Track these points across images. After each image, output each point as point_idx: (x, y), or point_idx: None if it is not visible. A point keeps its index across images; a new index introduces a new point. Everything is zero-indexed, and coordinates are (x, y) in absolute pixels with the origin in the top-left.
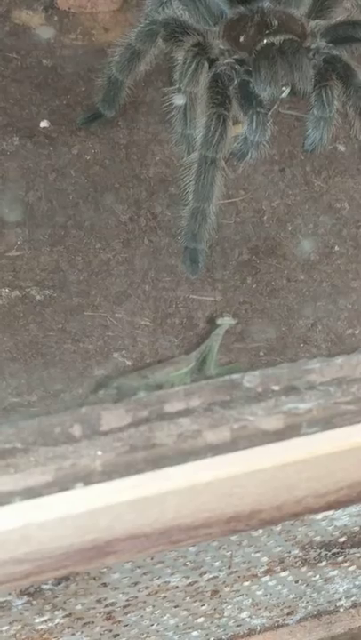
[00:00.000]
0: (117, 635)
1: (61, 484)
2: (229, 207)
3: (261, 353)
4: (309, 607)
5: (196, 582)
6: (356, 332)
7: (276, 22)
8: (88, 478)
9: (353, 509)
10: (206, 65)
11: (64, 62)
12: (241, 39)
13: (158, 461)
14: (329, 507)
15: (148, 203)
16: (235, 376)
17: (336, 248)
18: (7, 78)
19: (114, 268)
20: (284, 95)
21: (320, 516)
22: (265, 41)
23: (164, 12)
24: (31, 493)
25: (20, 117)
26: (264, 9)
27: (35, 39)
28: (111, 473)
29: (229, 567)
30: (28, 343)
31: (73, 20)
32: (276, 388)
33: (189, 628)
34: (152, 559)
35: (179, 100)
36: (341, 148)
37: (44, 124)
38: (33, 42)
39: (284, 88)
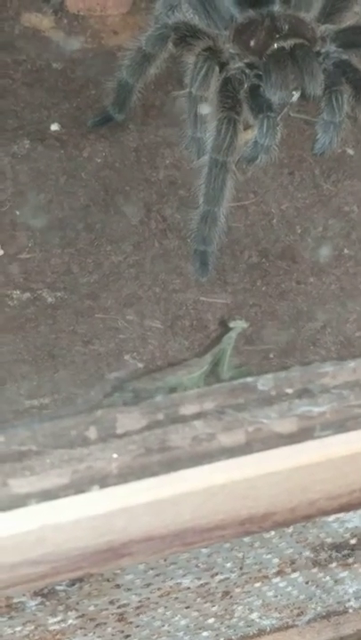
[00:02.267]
0: (129, 635)
1: (77, 487)
2: (239, 210)
3: (271, 355)
4: (319, 608)
5: (207, 583)
6: None
7: (286, 26)
8: (104, 481)
9: None
10: (217, 69)
11: (74, 65)
12: (251, 43)
13: (173, 464)
14: (341, 509)
15: (158, 205)
16: (248, 379)
17: (345, 251)
18: (18, 81)
19: (124, 270)
20: (294, 99)
21: (331, 517)
22: (275, 45)
23: (174, 16)
24: (47, 495)
25: (30, 120)
26: (274, 13)
27: (44, 42)
28: (127, 475)
29: (241, 568)
30: (39, 345)
31: (82, 23)
32: (289, 391)
33: (200, 629)
34: (165, 560)
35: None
36: (351, 151)
37: (54, 127)
38: (43, 45)
39: (294, 92)
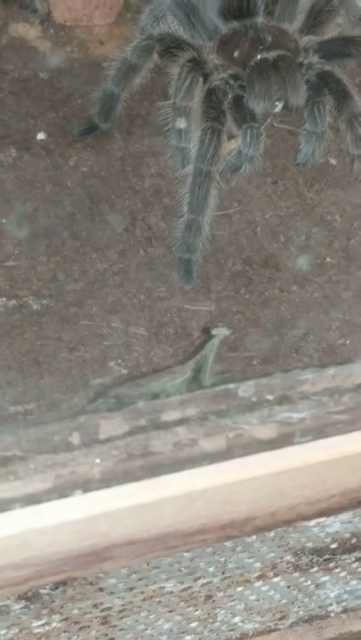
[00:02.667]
0: (113, 638)
1: (60, 491)
2: (223, 219)
3: (255, 362)
4: (301, 612)
5: (190, 587)
6: (348, 343)
7: (269, 38)
8: (87, 485)
9: (344, 516)
10: (201, 80)
11: (60, 75)
12: (235, 54)
13: (155, 469)
14: (321, 514)
15: (144, 214)
16: (230, 386)
17: (328, 259)
18: (4, 91)
19: (109, 277)
20: (277, 110)
21: (312, 522)
22: (259, 56)
23: (159, 27)
24: (31, 500)
25: (17, 129)
26: (258, 25)
27: (31, 52)
28: (109, 480)
29: (223, 572)
30: (25, 352)
31: (69, 33)
32: (270, 397)
33: (183, 633)
34: (148, 565)
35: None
36: (333, 161)
37: (40, 136)
38: (30, 55)
39: (277, 103)
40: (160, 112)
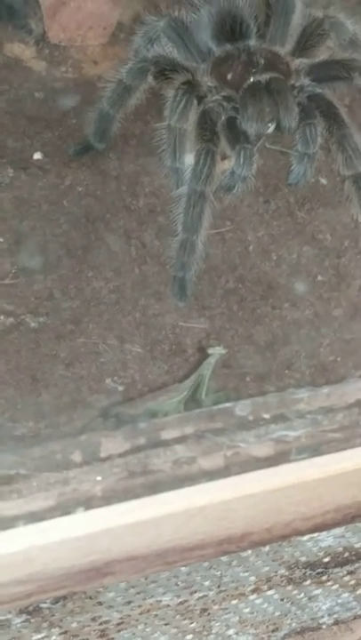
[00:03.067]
0: None
1: (63, 509)
2: (216, 237)
3: (248, 379)
4: (294, 624)
5: (186, 601)
6: (339, 360)
7: (262, 61)
8: (88, 503)
9: (337, 531)
10: (195, 102)
11: (55, 95)
12: (228, 77)
13: (155, 486)
14: (316, 529)
15: (138, 232)
16: (227, 404)
17: (319, 277)
18: (0, 111)
19: (105, 295)
20: (269, 131)
21: (306, 537)
22: (252, 79)
23: (153, 49)
24: (34, 517)
25: (13, 149)
26: (250, 47)
27: (26, 72)
28: (110, 498)
29: (219, 586)
30: (22, 369)
31: (63, 54)
32: (266, 416)
33: None
34: (146, 579)
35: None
36: (324, 181)
37: (37, 155)
38: (25, 74)
39: (269, 124)
40: (155, 133)
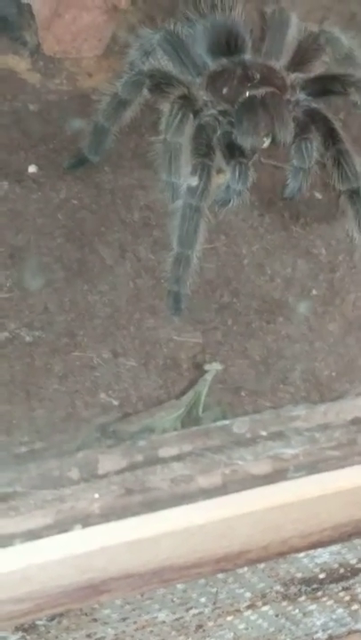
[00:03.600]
0: None
1: (60, 526)
2: (211, 251)
3: (243, 393)
4: (288, 639)
5: (182, 617)
6: (333, 374)
7: (257, 75)
8: (86, 520)
9: (333, 547)
10: (191, 116)
11: (50, 107)
12: (224, 91)
13: (153, 504)
14: (313, 546)
15: (133, 246)
16: (225, 422)
17: (313, 292)
18: None
19: (100, 309)
20: (265, 145)
21: (302, 553)
22: (247, 93)
23: (148, 62)
24: (31, 535)
25: (8, 162)
26: (246, 62)
27: (21, 84)
28: (108, 515)
29: (214, 603)
30: (17, 383)
31: (58, 66)
32: (263, 433)
33: None
34: (142, 596)
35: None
36: (319, 195)
37: (32, 168)
38: (19, 87)
39: (265, 139)
40: (151, 147)
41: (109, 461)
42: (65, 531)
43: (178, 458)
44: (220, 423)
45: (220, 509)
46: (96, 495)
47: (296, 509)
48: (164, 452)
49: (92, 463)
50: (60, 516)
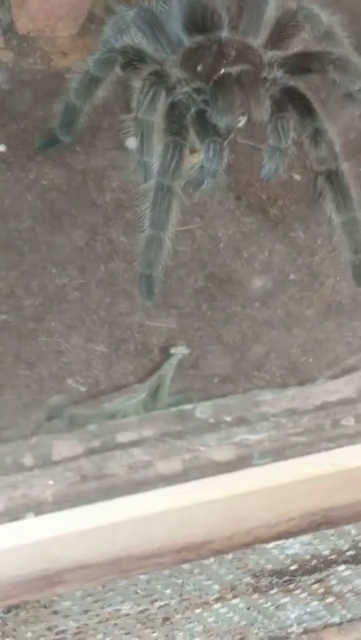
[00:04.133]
0: None
1: (12, 514)
2: (185, 234)
3: (216, 380)
4: (261, 633)
5: (147, 610)
6: (310, 360)
7: (233, 52)
8: (39, 508)
9: (304, 538)
10: (164, 93)
11: (22, 86)
12: (199, 68)
13: (109, 491)
14: (280, 537)
15: (105, 228)
16: (187, 407)
17: (291, 276)
18: None
19: (69, 293)
20: (240, 125)
21: (271, 544)
22: (222, 71)
23: (122, 40)
24: None
25: None
26: (222, 39)
27: None
28: (62, 503)
29: (181, 595)
30: None
31: (32, 45)
32: (228, 418)
33: None
34: (103, 587)
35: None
36: (297, 177)
37: (1, 148)
38: None
39: (240, 118)
40: (122, 125)
41: (65, 447)
42: (16, 519)
43: (137, 443)
44: (181, 407)
45: (180, 497)
46: (50, 482)
47: (261, 498)
48: (123, 438)
49: (46, 449)
50: (12, 504)
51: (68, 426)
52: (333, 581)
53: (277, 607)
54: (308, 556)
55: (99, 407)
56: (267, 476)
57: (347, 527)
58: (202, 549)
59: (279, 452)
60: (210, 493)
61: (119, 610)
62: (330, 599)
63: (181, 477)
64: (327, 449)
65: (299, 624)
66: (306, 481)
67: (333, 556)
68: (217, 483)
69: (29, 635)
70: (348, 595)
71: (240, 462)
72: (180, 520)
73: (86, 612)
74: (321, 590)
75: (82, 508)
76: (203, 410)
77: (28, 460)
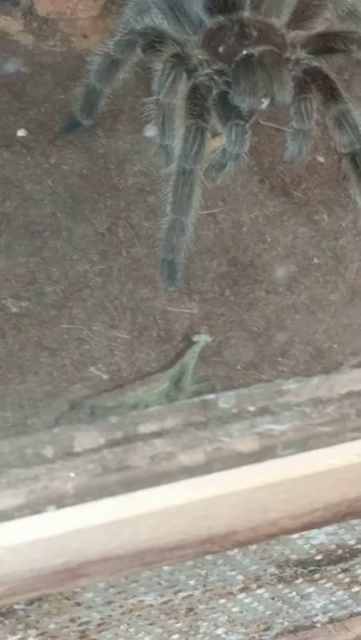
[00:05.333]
0: None
1: (33, 507)
2: (208, 218)
3: (239, 367)
4: (286, 623)
5: (170, 600)
6: (335, 346)
7: (255, 33)
8: (60, 501)
9: (329, 528)
10: (185, 75)
11: (42, 69)
12: (220, 49)
13: (131, 484)
14: (304, 527)
15: (126, 213)
16: (210, 397)
17: (315, 260)
18: None
19: (91, 279)
20: (263, 107)
21: (296, 535)
22: (244, 52)
23: (142, 21)
24: (2, 516)
25: None
26: (244, 19)
27: (13, 46)
28: (84, 495)
29: (204, 585)
30: (3, 356)
31: (52, 27)
32: (251, 408)
33: None
34: (126, 579)
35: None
36: (321, 159)
37: (21, 132)
38: (11, 48)
39: (263, 99)
40: (143, 108)
41: (86, 438)
42: (37, 512)
43: (159, 434)
44: (204, 398)
45: (204, 489)
46: (71, 474)
47: (285, 489)
48: (145, 429)
49: (67, 440)
50: (33, 496)
51: (89, 417)
52: (359, 571)
53: (302, 597)
54: (333, 546)
55: (121, 397)
56: (291, 467)
57: None
58: (225, 541)
59: (303, 443)
60: (233, 485)
61: (143, 601)
62: (356, 588)
63: (204, 469)
64: (352, 439)
65: (324, 613)
66: (330, 471)
67: (359, 546)
68: (240, 474)
69: (52, 626)
70: None
71: (264, 453)
72: (202, 512)
73: (109, 603)
74: (347, 580)
75: (104, 501)
76: (226, 400)
77: (49, 451)
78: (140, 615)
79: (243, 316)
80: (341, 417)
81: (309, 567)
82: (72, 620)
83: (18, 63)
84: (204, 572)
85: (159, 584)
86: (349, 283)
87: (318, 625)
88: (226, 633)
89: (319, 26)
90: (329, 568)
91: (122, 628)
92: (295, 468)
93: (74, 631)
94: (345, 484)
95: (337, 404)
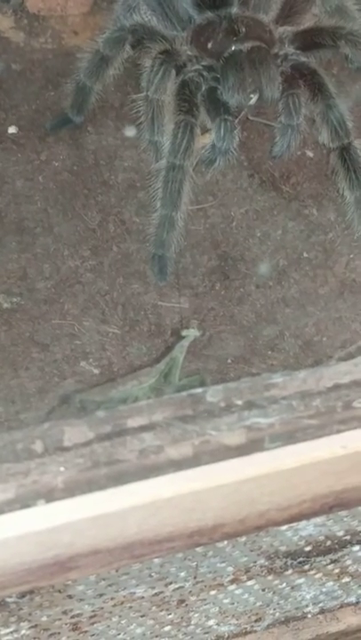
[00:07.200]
0: None
1: (23, 501)
2: (198, 213)
3: (229, 360)
4: (277, 614)
5: (161, 592)
6: (325, 339)
7: (243, 29)
8: (50, 495)
9: (318, 519)
10: (173, 72)
11: (33, 66)
12: (209, 45)
13: (120, 477)
14: (292, 519)
15: (117, 209)
16: (197, 390)
17: (305, 254)
18: None
19: (82, 274)
20: (252, 102)
21: (285, 526)
22: (233, 47)
23: (132, 18)
24: None
25: None
26: (232, 15)
27: (4, 43)
28: (73, 489)
29: (195, 577)
30: None
31: (43, 24)
32: (238, 402)
33: (156, 637)
34: (117, 571)
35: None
36: (310, 153)
37: (12, 129)
38: (2, 45)
39: (251, 95)
40: (133, 105)
41: (76, 433)
42: (27, 506)
43: (147, 428)
44: (192, 392)
45: (192, 482)
46: (61, 468)
47: (272, 481)
48: (133, 423)
49: (57, 435)
50: (22, 491)
51: (80, 411)
52: (349, 562)
53: (293, 588)
54: (322, 537)
55: (110, 392)
56: (278, 460)
57: (360, 508)
58: (214, 533)
59: (290, 436)
60: (221, 478)
61: (134, 593)
62: (345, 579)
63: (192, 462)
64: (338, 431)
65: (315, 604)
66: (317, 464)
67: (348, 537)
68: (228, 467)
69: (44, 619)
70: None
71: (251, 446)
72: (191, 505)
73: (101, 595)
74: (336, 570)
75: (93, 494)
76: (213, 394)
77: (38, 446)
78: (131, 607)
79: (233, 310)
80: (328, 410)
81: (299, 558)
82: (64, 613)
83: (8, 60)
84: (194, 563)
85: (150, 576)
86: (338, 276)
87: (309, 615)
88: (218, 624)
89: (307, 21)
90: (318, 559)
91: (114, 619)
92: (282, 460)
93: (66, 623)
94: (331, 475)
95: (324, 396)
